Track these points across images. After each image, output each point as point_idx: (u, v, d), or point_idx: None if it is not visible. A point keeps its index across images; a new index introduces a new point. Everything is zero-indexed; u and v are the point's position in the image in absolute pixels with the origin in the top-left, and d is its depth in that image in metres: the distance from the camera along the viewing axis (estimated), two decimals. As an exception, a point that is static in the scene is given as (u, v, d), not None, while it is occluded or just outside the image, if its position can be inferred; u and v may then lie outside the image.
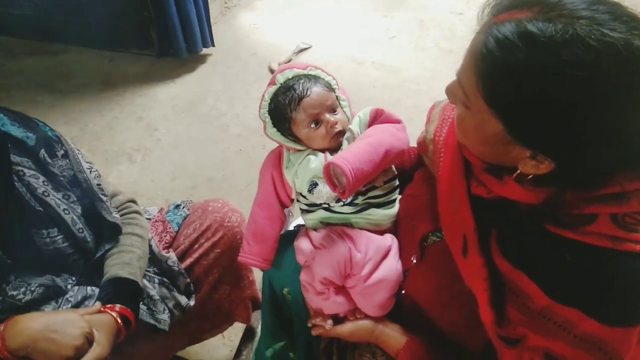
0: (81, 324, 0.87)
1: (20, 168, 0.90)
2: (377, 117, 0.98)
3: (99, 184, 1.03)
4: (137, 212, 1.15)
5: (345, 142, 0.97)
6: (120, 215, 1.09)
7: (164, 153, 2.38)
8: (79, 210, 0.99)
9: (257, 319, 1.40)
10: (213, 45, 2.98)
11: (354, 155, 0.84)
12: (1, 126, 0.90)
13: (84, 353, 0.86)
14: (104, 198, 1.03)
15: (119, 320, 0.94)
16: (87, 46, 3.10)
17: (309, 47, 3.14)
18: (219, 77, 2.88)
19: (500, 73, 0.56)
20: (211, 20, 2.90)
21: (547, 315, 0.65)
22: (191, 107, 2.67)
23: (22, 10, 3.09)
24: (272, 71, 2.91)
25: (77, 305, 1.00)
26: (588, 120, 0.54)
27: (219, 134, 2.48)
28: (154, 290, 1.10)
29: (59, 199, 0.95)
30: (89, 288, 1.03)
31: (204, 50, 2.97)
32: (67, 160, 0.99)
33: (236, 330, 1.54)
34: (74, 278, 1.02)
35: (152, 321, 1.07)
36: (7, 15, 3.14)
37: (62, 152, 0.98)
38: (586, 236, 0.61)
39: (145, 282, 1.10)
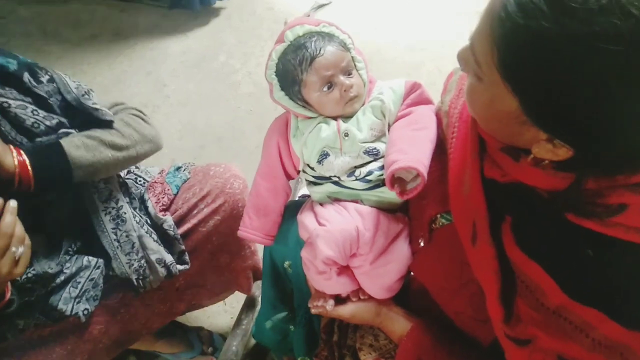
0: None
1: (3, 100, 0.84)
2: (413, 92, 0.89)
3: (90, 100, 0.97)
4: (137, 111, 1.08)
5: (369, 109, 0.88)
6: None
7: (173, 110, 2.32)
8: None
9: (258, 287, 1.37)
10: (227, -2, 2.87)
11: (426, 157, 0.78)
12: None
13: None
14: (97, 106, 0.97)
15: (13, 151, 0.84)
16: (98, -6, 3.00)
17: (328, 3, 2.99)
18: (232, 32, 2.77)
19: (520, 42, 0.48)
20: (226, -29, 2.78)
21: (562, 314, 0.59)
22: (202, 62, 2.58)
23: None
24: (288, 28, 2.78)
25: (71, 278, 0.98)
26: (618, 102, 0.46)
27: (230, 92, 2.40)
28: (135, 233, 1.05)
29: (52, 128, 0.90)
30: (85, 258, 1.00)
31: (218, 3, 2.86)
32: (54, 85, 0.93)
33: (238, 297, 1.51)
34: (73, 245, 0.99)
35: (127, 269, 1.03)
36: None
37: (47, 77, 0.94)
38: (612, 229, 0.55)
39: (134, 222, 1.05)
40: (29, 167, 0.84)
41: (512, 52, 0.49)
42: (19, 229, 0.78)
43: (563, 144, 0.51)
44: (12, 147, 0.84)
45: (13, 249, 0.76)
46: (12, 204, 0.79)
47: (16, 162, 0.82)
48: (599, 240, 0.56)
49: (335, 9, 2.94)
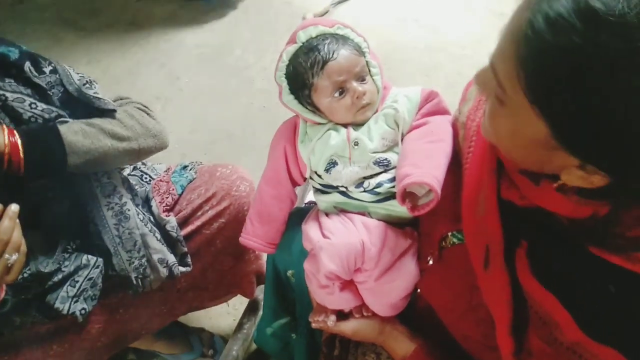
0: None
1: (1, 92, 0.81)
2: (429, 101, 0.85)
3: (91, 89, 0.94)
4: (142, 106, 1.04)
5: (382, 118, 0.84)
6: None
7: (184, 104, 2.29)
8: None
9: (262, 292, 1.33)
10: (245, -10, 2.82)
11: (441, 172, 0.73)
12: None
13: None
14: (99, 95, 0.94)
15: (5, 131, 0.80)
16: (116, -18, 2.98)
17: (348, -1, 2.92)
18: (248, 26, 2.73)
19: (549, 61, 0.44)
20: (245, -37, 2.74)
21: (577, 351, 0.56)
22: (217, 56, 2.54)
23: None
24: (305, 23, 2.73)
25: (69, 276, 0.95)
26: None
27: (243, 87, 2.36)
28: (138, 231, 1.01)
29: (50, 122, 0.87)
30: (84, 257, 0.97)
31: (236, -5, 2.82)
32: (57, 76, 0.90)
33: (241, 299, 1.48)
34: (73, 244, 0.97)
35: (127, 266, 1.00)
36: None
37: (50, 68, 0.90)
38: (638, 264, 0.51)
39: (138, 220, 1.02)
40: (20, 149, 0.79)
41: (541, 72, 0.45)
42: (17, 234, 0.75)
43: (597, 171, 0.47)
44: (5, 126, 0.80)
45: (6, 255, 0.74)
46: (13, 208, 0.76)
47: (6, 141, 0.78)
48: (623, 275, 0.52)
49: (355, 5, 2.86)
